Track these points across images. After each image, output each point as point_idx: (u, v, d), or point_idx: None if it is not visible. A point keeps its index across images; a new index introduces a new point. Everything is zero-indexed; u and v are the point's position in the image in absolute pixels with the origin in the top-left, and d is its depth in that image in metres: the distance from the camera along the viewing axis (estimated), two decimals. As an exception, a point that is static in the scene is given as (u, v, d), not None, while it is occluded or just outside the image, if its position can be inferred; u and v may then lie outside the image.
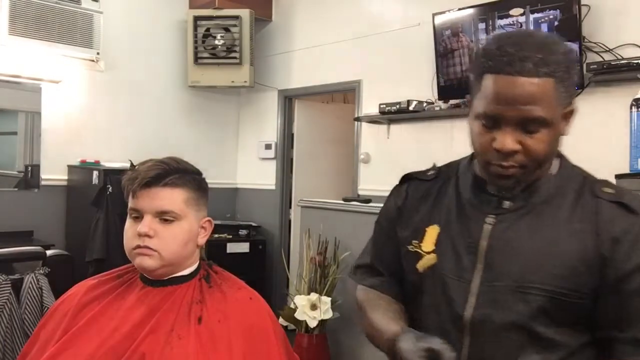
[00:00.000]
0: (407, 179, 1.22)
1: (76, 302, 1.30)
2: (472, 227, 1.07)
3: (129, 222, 1.27)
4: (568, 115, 1.03)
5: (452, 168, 1.18)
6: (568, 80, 0.99)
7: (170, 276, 1.29)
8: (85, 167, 4.19)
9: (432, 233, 1.11)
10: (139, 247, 1.23)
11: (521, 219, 1.04)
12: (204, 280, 1.32)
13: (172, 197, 1.25)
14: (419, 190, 1.18)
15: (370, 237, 1.28)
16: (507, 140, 0.98)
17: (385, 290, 1.20)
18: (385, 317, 1.12)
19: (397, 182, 1.25)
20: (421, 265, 1.10)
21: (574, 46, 2.86)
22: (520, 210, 1.05)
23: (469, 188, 1.11)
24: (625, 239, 0.99)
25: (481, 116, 1.01)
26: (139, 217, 1.25)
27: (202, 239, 1.33)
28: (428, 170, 1.21)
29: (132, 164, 1.34)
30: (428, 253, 1.10)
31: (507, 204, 1.06)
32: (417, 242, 1.12)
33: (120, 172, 3.66)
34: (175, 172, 1.26)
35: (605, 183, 1.08)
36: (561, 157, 1.10)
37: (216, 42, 4.64)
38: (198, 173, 1.34)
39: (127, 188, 1.26)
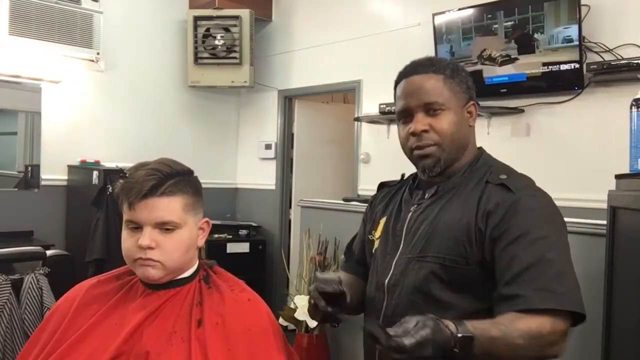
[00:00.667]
0: (381, 186, 1.53)
1: (77, 303, 1.30)
2: (402, 217, 1.34)
3: (127, 233, 1.25)
4: (470, 110, 1.31)
5: (410, 177, 1.44)
6: (457, 79, 1.29)
7: (171, 279, 1.28)
8: (85, 167, 4.19)
9: (381, 224, 1.40)
10: (141, 259, 1.22)
11: (431, 205, 1.29)
12: (203, 282, 1.31)
13: (170, 207, 1.23)
14: (383, 194, 1.49)
15: None
16: (418, 123, 1.27)
17: (344, 269, 1.53)
18: None
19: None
20: (373, 248, 1.40)
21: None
22: (433, 197, 1.31)
23: (408, 189, 1.40)
24: (497, 211, 1.18)
25: (399, 115, 1.33)
26: (137, 227, 1.23)
27: (201, 241, 1.33)
28: (395, 180, 1.49)
29: (121, 170, 1.33)
30: (377, 239, 1.39)
31: (426, 194, 1.32)
32: (374, 232, 1.42)
33: (120, 172, 3.67)
34: (170, 178, 1.24)
35: (505, 172, 1.27)
36: (481, 152, 1.35)
37: (216, 42, 4.64)
38: (190, 172, 1.32)
39: (122, 199, 1.24)
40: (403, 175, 1.49)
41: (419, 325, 0.97)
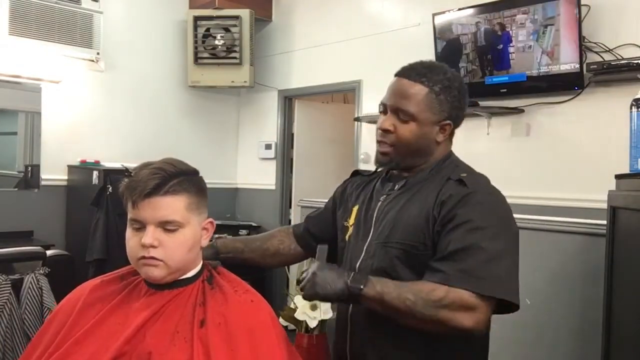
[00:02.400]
0: (355, 173, 1.63)
1: (81, 303, 1.29)
2: (372, 206, 1.44)
3: (130, 232, 1.25)
4: (444, 127, 1.38)
5: (383, 169, 1.52)
6: (443, 96, 1.35)
7: (174, 279, 1.27)
8: (85, 167, 4.19)
9: (354, 211, 1.49)
10: (144, 257, 1.22)
11: (398, 196, 1.40)
12: (206, 282, 1.31)
13: (173, 206, 1.23)
14: (358, 183, 1.57)
15: None
16: (386, 122, 1.38)
17: (291, 228, 1.69)
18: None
19: None
20: (347, 235, 1.49)
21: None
22: (401, 189, 1.41)
23: (380, 181, 1.50)
24: (449, 201, 1.29)
25: (380, 105, 1.42)
26: (141, 226, 1.23)
27: (204, 241, 1.32)
28: (369, 171, 1.59)
29: (126, 170, 1.33)
30: (351, 226, 1.48)
31: (395, 187, 1.42)
32: (348, 218, 1.50)
33: (120, 172, 3.67)
34: (174, 178, 1.24)
35: (467, 171, 1.37)
36: (450, 156, 1.43)
37: (216, 42, 4.64)
38: (195, 173, 1.32)
39: (126, 197, 1.24)
40: (377, 168, 1.54)
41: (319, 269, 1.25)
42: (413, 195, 1.37)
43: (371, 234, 1.40)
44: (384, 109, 1.40)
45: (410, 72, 1.37)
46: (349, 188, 1.59)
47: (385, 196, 1.43)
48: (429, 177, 1.39)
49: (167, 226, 1.22)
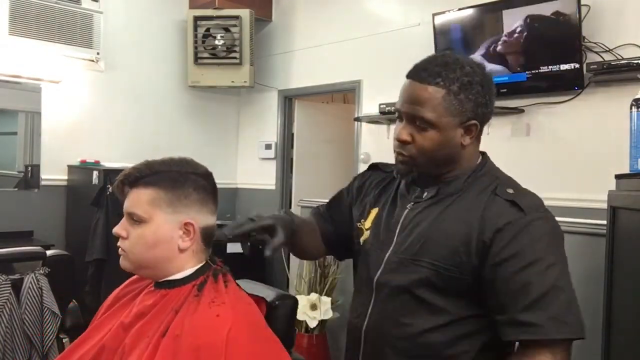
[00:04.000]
0: (372, 167, 1.49)
1: (113, 296, 1.34)
2: (397, 212, 1.30)
3: None
4: (469, 128, 1.22)
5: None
6: (463, 95, 1.19)
7: (163, 279, 1.25)
8: (85, 167, 4.19)
9: (373, 214, 1.35)
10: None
11: (429, 207, 1.25)
12: (196, 287, 1.22)
13: (137, 199, 1.23)
14: (377, 178, 1.43)
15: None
16: (403, 131, 1.23)
17: (313, 213, 1.53)
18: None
19: None
20: (362, 239, 1.35)
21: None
22: (431, 200, 1.25)
23: (405, 183, 1.33)
24: (507, 229, 1.14)
25: (395, 110, 1.28)
26: None
27: (183, 243, 1.23)
28: (390, 164, 1.40)
29: None
30: (367, 230, 1.34)
31: (424, 194, 1.27)
32: (363, 220, 1.37)
33: (121, 172, 3.66)
34: (152, 174, 1.24)
35: (512, 186, 1.23)
36: (485, 161, 1.29)
37: (216, 42, 4.64)
38: (193, 173, 1.29)
39: None
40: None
41: None
42: (447, 207, 1.22)
43: (393, 245, 1.26)
44: (399, 114, 1.25)
45: (422, 73, 1.21)
46: (367, 184, 1.44)
47: (412, 204, 1.28)
48: (465, 187, 1.23)
49: (132, 218, 1.24)
